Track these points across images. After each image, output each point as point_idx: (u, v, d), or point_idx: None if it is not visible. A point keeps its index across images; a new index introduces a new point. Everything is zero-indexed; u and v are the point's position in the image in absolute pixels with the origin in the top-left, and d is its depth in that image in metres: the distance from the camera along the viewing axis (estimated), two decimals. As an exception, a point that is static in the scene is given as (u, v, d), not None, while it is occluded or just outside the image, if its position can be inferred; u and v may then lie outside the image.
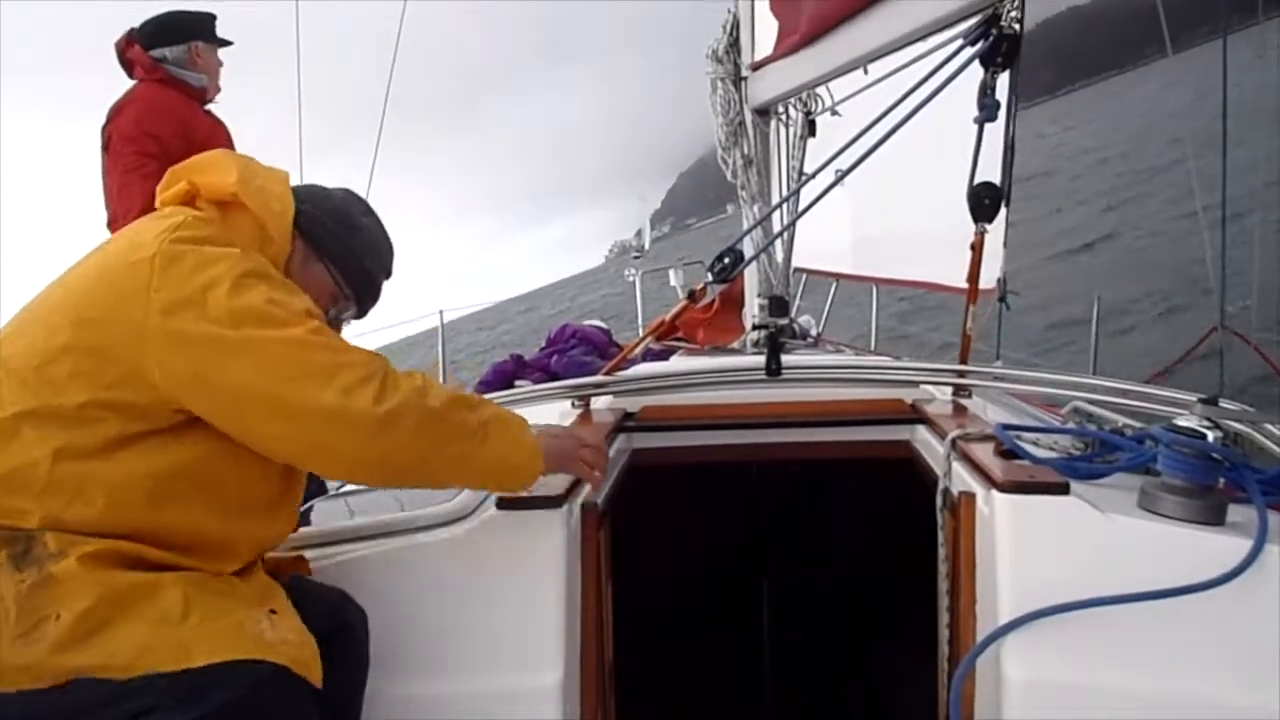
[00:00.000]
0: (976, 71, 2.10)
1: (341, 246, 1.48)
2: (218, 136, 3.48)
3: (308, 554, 1.53)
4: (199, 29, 3.52)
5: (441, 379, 5.46)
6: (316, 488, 2.68)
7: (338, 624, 1.37)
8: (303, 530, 1.59)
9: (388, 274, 1.59)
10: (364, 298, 1.55)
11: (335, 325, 1.54)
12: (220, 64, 3.60)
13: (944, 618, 1.54)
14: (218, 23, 3.60)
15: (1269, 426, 1.51)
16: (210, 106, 3.58)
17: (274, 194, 1.41)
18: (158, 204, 1.40)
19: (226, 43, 3.60)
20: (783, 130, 3.46)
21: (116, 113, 3.38)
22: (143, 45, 3.44)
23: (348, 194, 1.57)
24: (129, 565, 1.17)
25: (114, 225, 3.33)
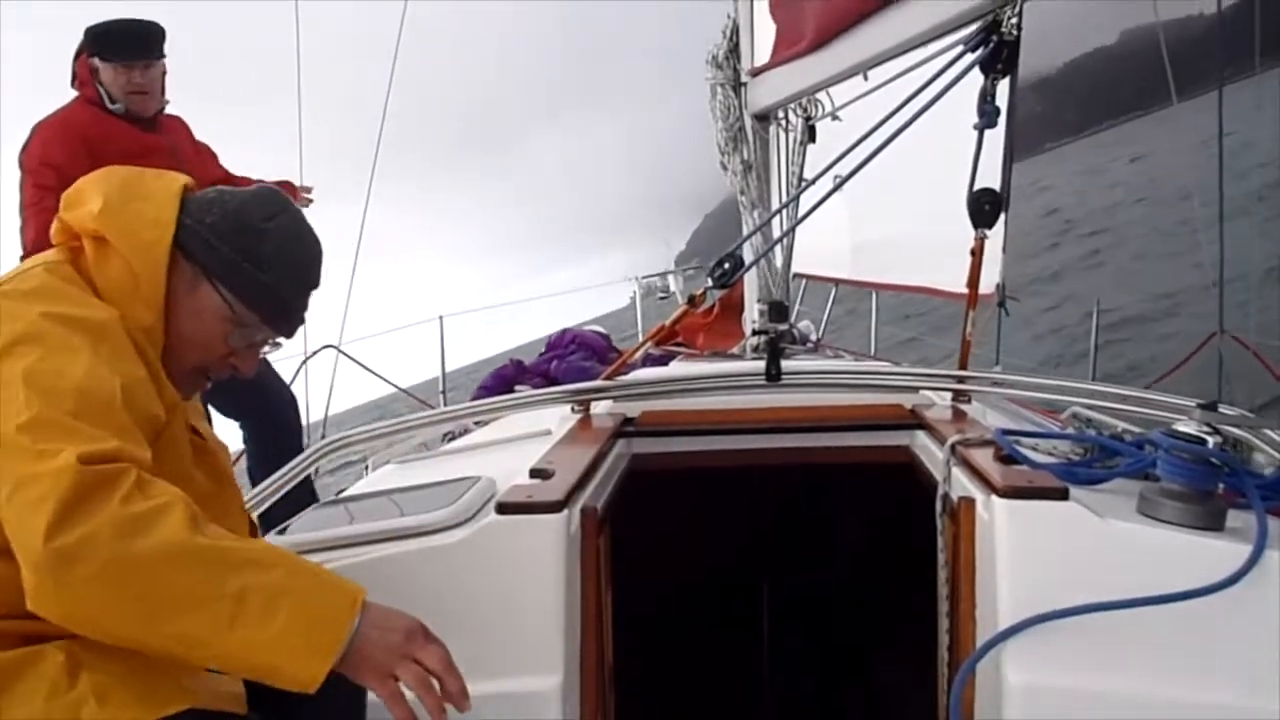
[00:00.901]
0: (976, 77, 2.11)
1: (227, 262, 1.25)
2: (154, 157, 2.92)
3: (309, 559, 1.52)
4: (97, 43, 3.14)
5: (441, 386, 5.46)
6: (309, 496, 2.66)
7: None
8: (304, 536, 1.59)
9: (306, 285, 1.35)
10: (274, 318, 1.32)
11: (249, 353, 1.34)
12: (159, 74, 3.22)
13: (944, 623, 1.54)
14: (162, 33, 3.23)
15: (1268, 432, 1.51)
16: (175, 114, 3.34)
17: (148, 220, 1.23)
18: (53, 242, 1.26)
19: (141, 56, 3.15)
20: (783, 136, 3.47)
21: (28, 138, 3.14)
22: (80, 54, 3.17)
23: (256, 194, 1.34)
24: (10, 644, 1.04)
25: None
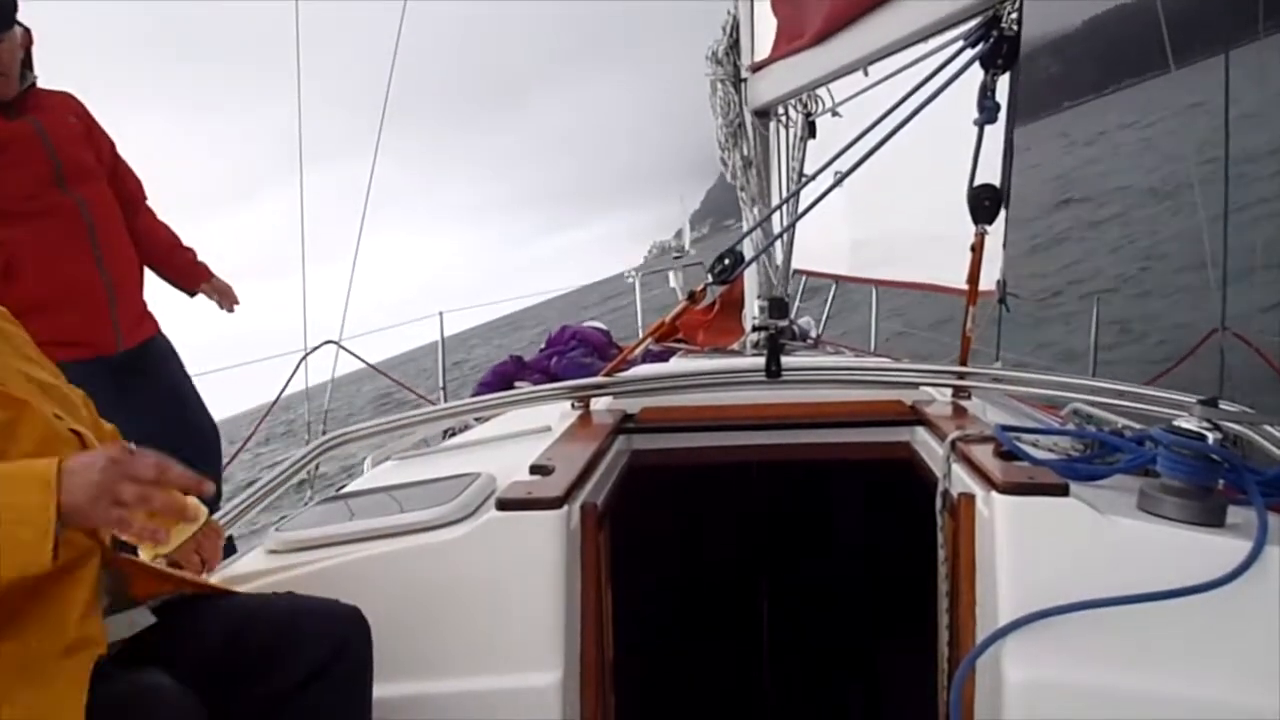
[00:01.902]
0: (977, 73, 2.10)
1: None
2: (15, 147, 2.74)
3: (308, 556, 1.53)
4: None
5: (440, 383, 5.46)
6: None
7: (332, 642, 1.29)
8: (304, 533, 1.59)
9: None
10: None
11: None
12: (13, 48, 2.73)
13: (944, 619, 1.54)
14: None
15: (1269, 428, 1.51)
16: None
17: None
18: None
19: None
20: (783, 132, 3.47)
21: None
22: None
23: None
24: None
25: None
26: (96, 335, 2.88)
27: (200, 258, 3.35)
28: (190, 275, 3.32)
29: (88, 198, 2.92)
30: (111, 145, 3.11)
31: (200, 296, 3.37)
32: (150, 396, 2.96)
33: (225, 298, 3.39)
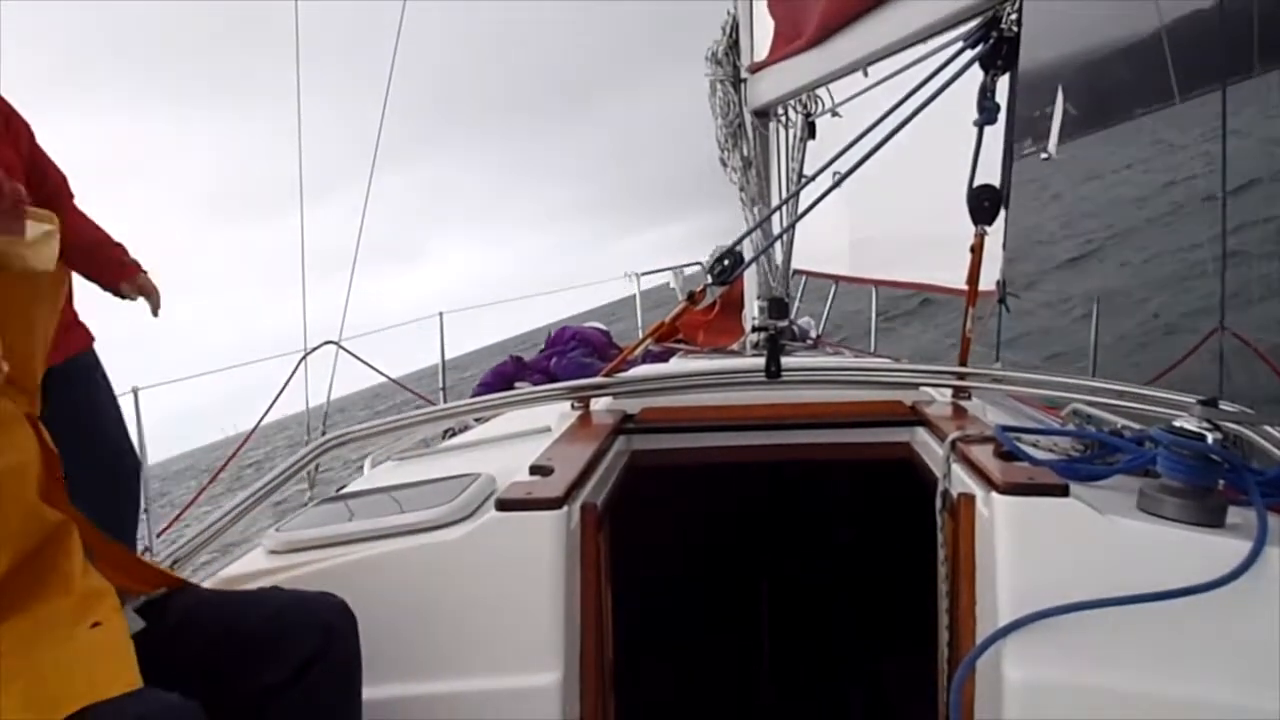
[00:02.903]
0: (976, 74, 2.10)
1: None
2: None
3: (307, 557, 1.53)
4: None
5: (441, 384, 5.47)
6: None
7: (320, 631, 1.28)
8: (303, 534, 1.59)
9: None
10: None
11: None
12: None
13: (944, 619, 1.54)
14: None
15: (1268, 428, 1.51)
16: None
17: None
18: None
19: None
20: (782, 132, 3.47)
21: None
22: None
23: None
24: None
25: None
26: None
27: (131, 255, 2.92)
28: (113, 272, 2.87)
29: None
30: (31, 135, 2.73)
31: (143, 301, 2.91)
32: (61, 418, 2.53)
33: (152, 298, 2.94)
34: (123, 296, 2.91)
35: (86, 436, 2.63)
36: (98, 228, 2.93)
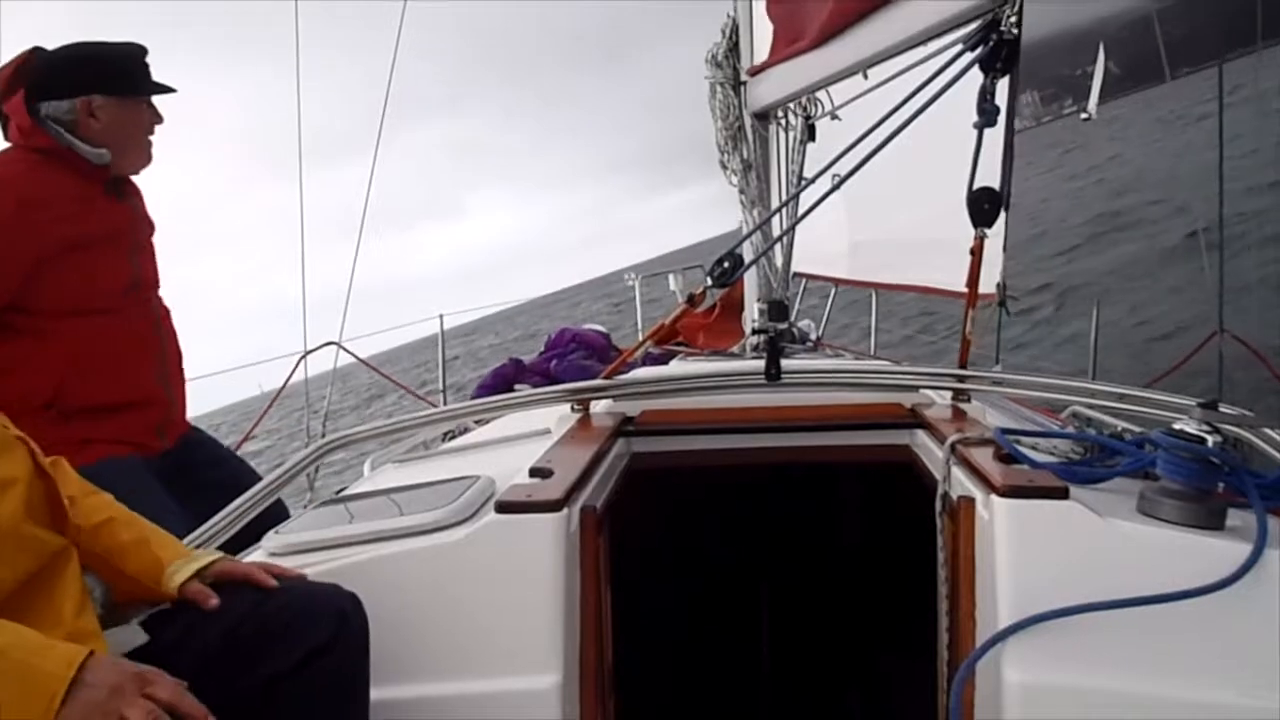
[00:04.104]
0: (976, 76, 2.10)
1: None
2: (120, 230, 2.35)
3: (308, 559, 1.53)
4: (99, 75, 2.25)
5: (441, 385, 5.47)
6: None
7: (335, 618, 1.30)
8: (303, 536, 1.59)
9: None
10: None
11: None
12: (155, 121, 2.37)
13: (943, 622, 1.54)
14: (150, 56, 2.33)
15: (1268, 431, 1.51)
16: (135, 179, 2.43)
17: None
18: None
19: (160, 89, 2.36)
20: (782, 135, 3.47)
21: None
22: (27, 92, 2.21)
23: None
24: None
25: None
26: (144, 438, 2.41)
27: None
28: None
29: (156, 299, 2.51)
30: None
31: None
32: (204, 481, 2.47)
33: None
34: None
35: (234, 476, 2.53)
36: None
